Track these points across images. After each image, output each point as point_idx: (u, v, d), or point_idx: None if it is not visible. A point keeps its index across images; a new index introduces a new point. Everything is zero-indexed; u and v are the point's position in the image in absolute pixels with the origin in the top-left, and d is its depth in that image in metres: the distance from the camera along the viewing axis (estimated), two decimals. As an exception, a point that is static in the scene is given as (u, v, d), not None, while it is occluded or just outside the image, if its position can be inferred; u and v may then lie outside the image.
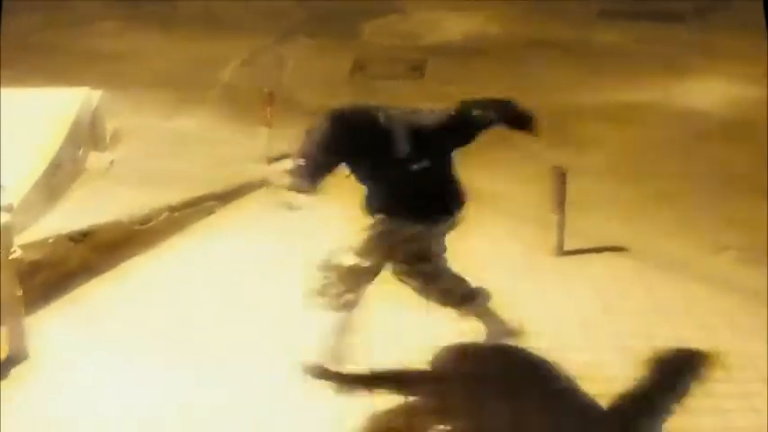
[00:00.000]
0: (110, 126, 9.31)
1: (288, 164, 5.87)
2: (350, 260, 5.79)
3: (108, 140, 9.23)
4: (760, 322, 6.44)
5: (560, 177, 7.42)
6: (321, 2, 14.20)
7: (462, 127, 5.87)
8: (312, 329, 6.36)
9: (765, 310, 6.55)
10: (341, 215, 7.98)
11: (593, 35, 13.17)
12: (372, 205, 5.84)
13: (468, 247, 7.46)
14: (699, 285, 6.89)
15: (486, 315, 6.18)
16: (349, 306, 5.84)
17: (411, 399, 5.72)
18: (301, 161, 5.74)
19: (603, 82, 11.33)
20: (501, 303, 6.51)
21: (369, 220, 5.83)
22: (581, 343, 6.29)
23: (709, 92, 11.08)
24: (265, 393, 5.81)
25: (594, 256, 7.22)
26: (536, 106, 10.03)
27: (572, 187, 7.37)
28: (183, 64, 11.88)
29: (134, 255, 7.32)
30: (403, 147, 5.61)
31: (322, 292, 5.82)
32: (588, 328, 6.47)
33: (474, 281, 6.60)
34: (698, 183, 8.70)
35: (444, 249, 6.00)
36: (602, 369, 5.98)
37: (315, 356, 5.96)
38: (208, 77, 11.51)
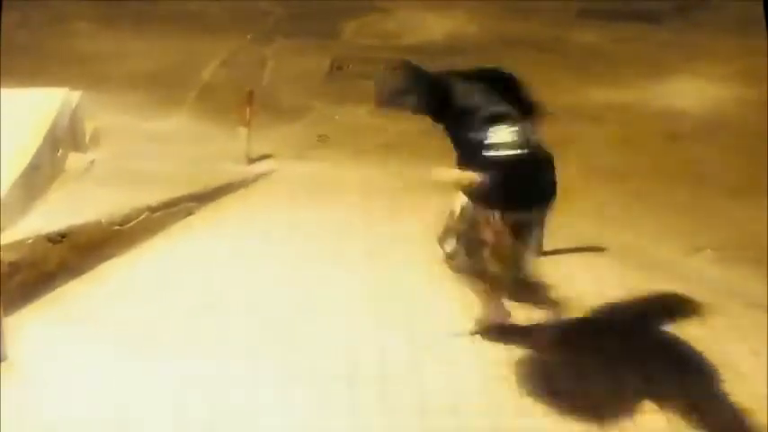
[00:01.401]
0: (89, 127, 9.28)
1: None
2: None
3: (87, 141, 9.21)
4: (735, 322, 6.50)
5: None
6: (301, 1, 14.20)
7: None
8: (294, 326, 6.44)
9: (741, 310, 6.63)
10: (315, 215, 8.08)
11: (571, 35, 13.21)
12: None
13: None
14: (676, 285, 6.93)
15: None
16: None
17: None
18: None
19: (582, 81, 11.36)
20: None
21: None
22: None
23: (686, 92, 11.12)
24: (249, 389, 5.82)
25: (573, 256, 7.24)
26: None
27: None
28: (162, 64, 11.86)
29: (113, 255, 7.31)
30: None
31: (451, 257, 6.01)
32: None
33: (454, 281, 6.66)
34: (674, 182, 8.74)
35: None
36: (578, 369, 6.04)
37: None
38: (187, 77, 11.49)
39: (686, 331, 6.38)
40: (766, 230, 7.52)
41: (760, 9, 10.42)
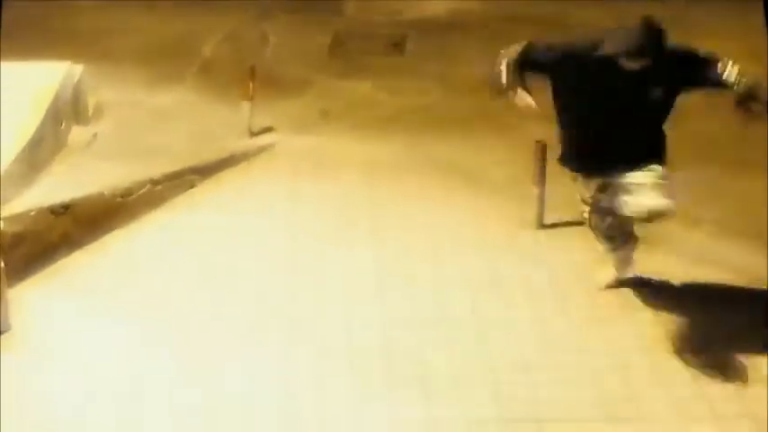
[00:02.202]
0: (91, 100, 9.30)
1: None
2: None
3: (90, 115, 9.24)
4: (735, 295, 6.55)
5: (541, 151, 7.46)
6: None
7: None
8: (295, 300, 6.46)
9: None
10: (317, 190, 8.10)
11: (573, 11, 13.15)
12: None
13: (449, 223, 7.55)
14: (675, 259, 6.96)
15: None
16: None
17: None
18: None
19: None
20: (481, 279, 6.60)
21: None
22: (558, 316, 6.37)
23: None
24: (249, 364, 5.86)
25: (574, 229, 7.25)
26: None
27: (552, 161, 7.41)
28: (164, 39, 11.82)
29: (115, 228, 7.35)
30: None
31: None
32: (566, 300, 6.55)
33: (455, 256, 6.71)
34: (675, 156, 8.73)
35: None
36: (580, 341, 6.06)
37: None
38: (189, 52, 11.46)
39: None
40: (765, 205, 7.53)
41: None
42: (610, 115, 5.86)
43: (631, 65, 5.67)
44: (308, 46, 11.76)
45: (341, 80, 10.72)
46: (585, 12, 13.04)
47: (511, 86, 6.03)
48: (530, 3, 13.17)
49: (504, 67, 6.01)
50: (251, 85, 9.15)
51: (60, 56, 9.13)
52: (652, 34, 5.75)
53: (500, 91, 6.09)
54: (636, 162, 5.93)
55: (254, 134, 9.13)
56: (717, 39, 11.78)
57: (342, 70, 10.98)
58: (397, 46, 11.84)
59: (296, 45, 11.78)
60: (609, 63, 5.69)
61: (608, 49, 5.69)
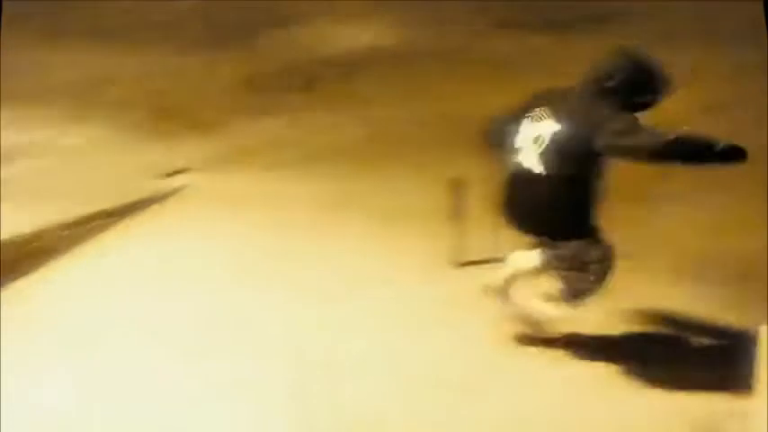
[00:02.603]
0: (1, 143, 9.15)
1: None
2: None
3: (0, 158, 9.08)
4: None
5: (457, 188, 7.43)
6: (215, 14, 14.09)
7: None
8: (206, 346, 6.36)
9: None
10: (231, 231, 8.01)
11: (489, 45, 13.22)
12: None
13: (365, 262, 7.49)
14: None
15: None
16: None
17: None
18: None
19: (499, 92, 11.37)
20: (397, 318, 6.54)
21: None
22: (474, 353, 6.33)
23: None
24: (164, 416, 5.74)
25: (491, 267, 7.23)
26: (431, 117, 10.17)
27: (470, 199, 7.39)
28: (75, 78, 11.70)
29: (26, 274, 7.20)
30: None
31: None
32: (481, 338, 6.52)
33: (372, 296, 6.64)
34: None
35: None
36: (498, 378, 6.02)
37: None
38: (101, 92, 11.35)
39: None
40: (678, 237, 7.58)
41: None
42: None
43: None
44: (221, 84, 11.69)
45: (255, 118, 10.66)
46: (503, 45, 13.14)
47: None
48: (446, 37, 13.24)
49: None
50: (163, 125, 9.06)
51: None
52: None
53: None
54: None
55: (166, 175, 9.02)
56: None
57: (256, 108, 10.92)
58: (312, 82, 11.81)
59: (209, 83, 11.71)
60: None
61: None
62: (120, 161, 9.41)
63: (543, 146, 5.83)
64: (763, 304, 6.62)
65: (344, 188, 8.81)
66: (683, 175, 7.55)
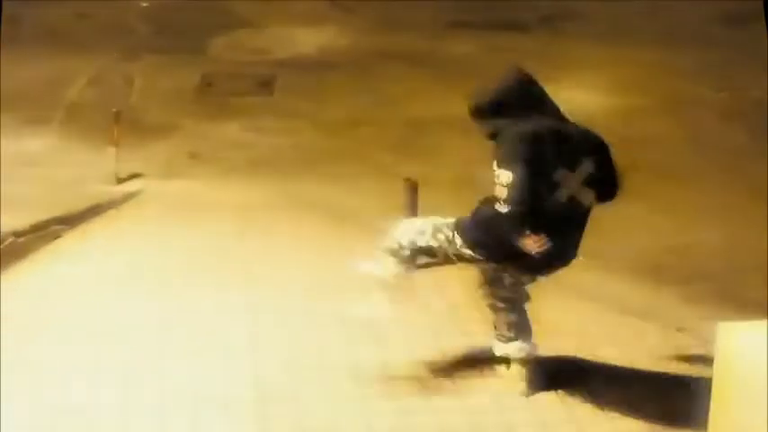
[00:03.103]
0: (-50, 150, 9.05)
1: None
2: None
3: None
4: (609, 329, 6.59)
5: (412, 189, 7.42)
6: (168, 17, 14.01)
7: None
8: (166, 350, 6.30)
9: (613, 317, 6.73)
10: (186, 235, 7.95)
11: (443, 46, 13.23)
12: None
13: (322, 263, 7.46)
14: (551, 294, 6.94)
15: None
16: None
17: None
18: None
19: (454, 93, 11.36)
20: (354, 320, 6.51)
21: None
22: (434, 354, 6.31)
23: (557, 101, 11.17)
24: (121, 417, 5.68)
25: (446, 269, 7.21)
26: (387, 119, 10.16)
27: (423, 199, 7.37)
28: (26, 84, 11.58)
29: (-22, 282, 7.11)
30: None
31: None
32: (439, 337, 6.49)
33: (329, 297, 6.61)
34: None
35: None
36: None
37: None
38: (53, 97, 11.25)
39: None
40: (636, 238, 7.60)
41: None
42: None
43: None
44: (174, 87, 11.63)
45: (209, 122, 10.63)
46: (455, 46, 13.14)
47: None
48: (400, 39, 13.24)
49: None
50: (116, 129, 8.98)
51: None
52: None
53: None
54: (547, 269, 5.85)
55: (120, 180, 8.96)
56: (584, 69, 12.04)
57: (210, 111, 10.89)
58: (266, 85, 11.78)
59: (162, 87, 11.65)
60: None
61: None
62: (73, 167, 9.32)
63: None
64: (721, 301, 6.67)
65: (299, 190, 8.79)
66: (640, 172, 7.58)
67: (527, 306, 5.97)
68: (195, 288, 7.13)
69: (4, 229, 7.56)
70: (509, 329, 5.90)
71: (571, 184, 5.56)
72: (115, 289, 7.12)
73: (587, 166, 5.61)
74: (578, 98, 11.22)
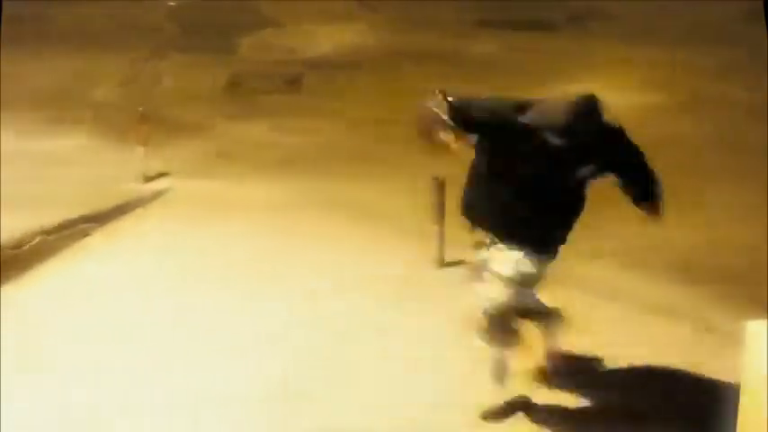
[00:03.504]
0: (-21, 149, 9.12)
1: None
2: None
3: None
4: (638, 328, 6.55)
5: (439, 188, 7.41)
6: (195, 16, 14.05)
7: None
8: (194, 348, 6.32)
9: (642, 316, 6.71)
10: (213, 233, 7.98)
11: (470, 45, 13.23)
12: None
13: (349, 261, 7.47)
14: (576, 293, 6.93)
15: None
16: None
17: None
18: None
19: (480, 91, 11.33)
20: (385, 317, 6.52)
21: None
22: (462, 352, 6.29)
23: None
24: (142, 418, 5.69)
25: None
26: (413, 118, 10.10)
27: (451, 198, 7.37)
28: (56, 83, 11.67)
29: (8, 280, 7.13)
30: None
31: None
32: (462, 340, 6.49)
33: (356, 295, 6.61)
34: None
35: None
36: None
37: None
38: (82, 97, 11.33)
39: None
40: (663, 237, 7.57)
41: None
42: (521, 184, 5.47)
43: (555, 141, 5.41)
44: (202, 87, 11.67)
45: (236, 121, 10.65)
46: (482, 45, 13.14)
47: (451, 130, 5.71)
48: (426, 38, 13.25)
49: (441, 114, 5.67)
50: (144, 128, 9.02)
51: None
52: (584, 113, 5.55)
53: (434, 138, 5.77)
54: (520, 239, 5.53)
55: (148, 179, 8.99)
56: (614, 68, 12.02)
57: (237, 111, 10.92)
58: (293, 84, 11.80)
59: (190, 86, 11.69)
60: (532, 133, 5.45)
61: (534, 119, 5.45)
62: (101, 166, 9.37)
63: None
64: (749, 301, 6.64)
65: (326, 189, 8.79)
66: (667, 171, 7.53)
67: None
68: (222, 286, 7.15)
69: (32, 229, 7.60)
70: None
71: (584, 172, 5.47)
72: (143, 287, 7.15)
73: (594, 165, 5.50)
74: (608, 97, 11.20)
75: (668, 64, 11.99)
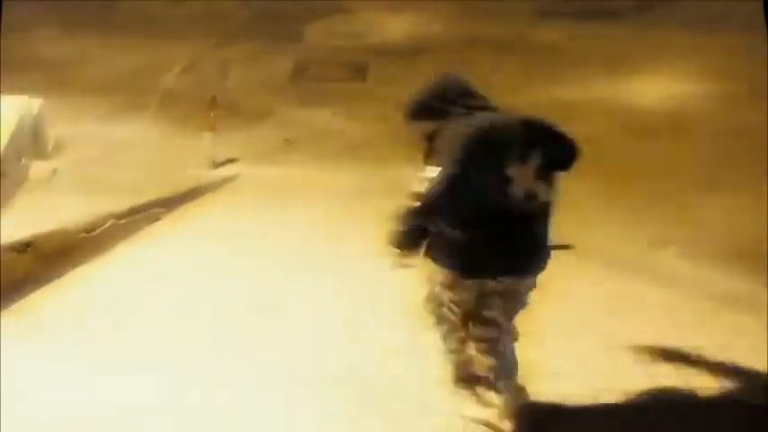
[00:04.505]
0: (52, 134, 9.24)
1: None
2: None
3: (50, 149, 9.17)
4: (700, 317, 6.55)
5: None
6: (262, 3, 14.13)
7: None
8: (262, 332, 6.39)
9: (704, 305, 6.70)
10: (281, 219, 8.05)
11: (533, 34, 13.22)
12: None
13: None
14: (644, 281, 6.94)
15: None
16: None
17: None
18: None
19: (544, 81, 11.37)
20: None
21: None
22: (529, 339, 6.31)
23: (648, 89, 11.15)
24: (215, 397, 5.78)
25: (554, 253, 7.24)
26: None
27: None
28: (124, 69, 11.81)
29: (79, 264, 7.25)
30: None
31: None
32: (535, 324, 6.50)
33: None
34: (640, 180, 8.76)
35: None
36: (550, 365, 6.02)
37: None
38: (150, 83, 11.44)
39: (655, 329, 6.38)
40: (730, 226, 7.56)
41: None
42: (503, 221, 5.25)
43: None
44: (269, 74, 11.76)
45: (303, 108, 10.73)
46: (545, 34, 13.12)
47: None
48: (490, 26, 13.23)
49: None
50: (212, 115, 9.13)
51: (18, 88, 9.06)
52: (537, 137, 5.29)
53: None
54: (521, 269, 5.47)
55: (216, 165, 9.10)
56: (679, 57, 11.96)
57: (303, 98, 10.99)
58: (359, 72, 11.84)
59: (257, 73, 11.78)
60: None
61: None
62: (169, 152, 9.49)
63: None
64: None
65: (390, 176, 8.83)
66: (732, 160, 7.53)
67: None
68: (289, 272, 7.22)
69: (103, 213, 7.71)
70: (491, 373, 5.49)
71: (525, 178, 5.20)
72: (212, 272, 7.24)
73: (535, 158, 5.23)
74: (673, 86, 11.19)
75: (738, 51, 11.90)
